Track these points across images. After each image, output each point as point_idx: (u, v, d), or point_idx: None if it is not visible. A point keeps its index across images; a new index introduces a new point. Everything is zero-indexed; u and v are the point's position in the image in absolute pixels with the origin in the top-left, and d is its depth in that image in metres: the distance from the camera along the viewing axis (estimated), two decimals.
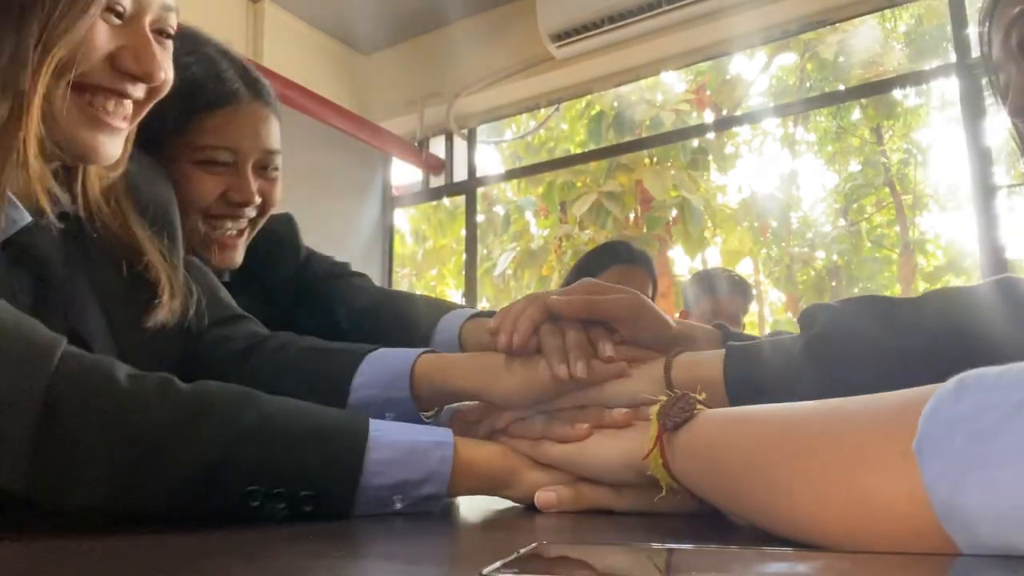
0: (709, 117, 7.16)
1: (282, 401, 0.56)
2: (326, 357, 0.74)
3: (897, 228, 7.79)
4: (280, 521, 0.53)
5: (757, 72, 7.52)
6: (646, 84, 6.42)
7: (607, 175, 6.82)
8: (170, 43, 0.69)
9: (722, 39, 2.65)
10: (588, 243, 6.71)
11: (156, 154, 0.82)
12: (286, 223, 1.08)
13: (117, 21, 0.63)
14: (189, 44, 0.88)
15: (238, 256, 0.94)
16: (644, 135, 6.20)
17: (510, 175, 5.78)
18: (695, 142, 6.69)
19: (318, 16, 2.94)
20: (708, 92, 7.26)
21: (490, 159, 7.33)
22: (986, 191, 2.21)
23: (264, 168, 0.94)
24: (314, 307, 1.02)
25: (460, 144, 3.22)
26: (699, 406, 0.51)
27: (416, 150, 3.19)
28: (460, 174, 3.23)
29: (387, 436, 0.56)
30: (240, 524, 0.51)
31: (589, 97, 5.47)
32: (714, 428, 0.48)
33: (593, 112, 6.87)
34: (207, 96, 0.88)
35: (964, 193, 6.50)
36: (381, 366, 0.72)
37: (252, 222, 0.95)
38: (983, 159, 2.22)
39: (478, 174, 3.26)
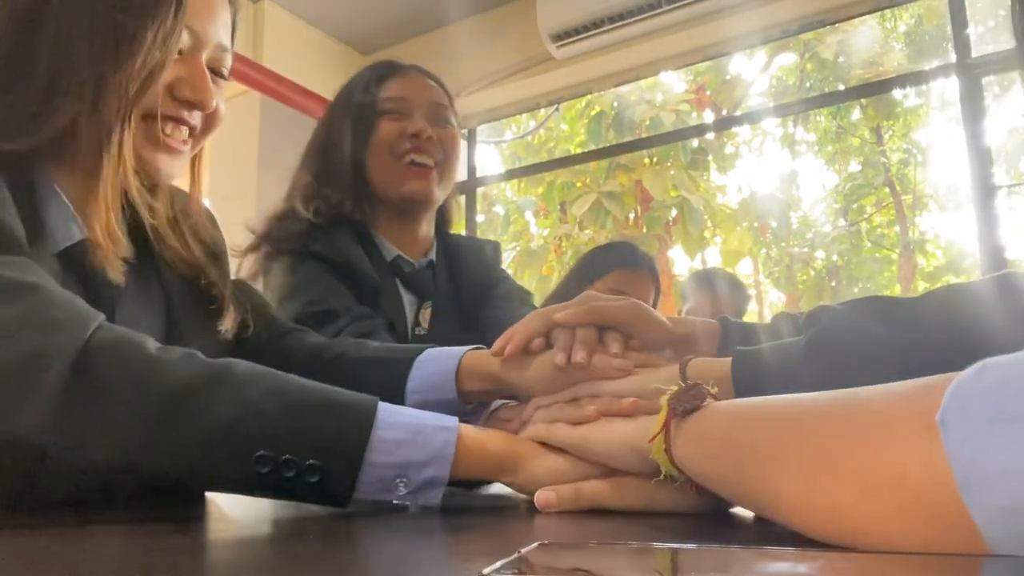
0: (709, 117, 7.16)
1: (297, 379, 0.58)
2: (380, 367, 0.80)
3: (897, 228, 7.80)
4: (287, 494, 0.54)
5: (757, 72, 7.53)
6: (646, 84, 6.43)
7: (607, 175, 6.83)
8: (224, 83, 0.77)
9: (722, 39, 2.65)
10: (588, 243, 6.71)
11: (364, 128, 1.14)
12: (493, 248, 1.34)
13: (176, 56, 0.70)
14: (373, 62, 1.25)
15: (430, 185, 1.16)
16: (644, 135, 6.21)
17: (510, 175, 5.80)
18: (695, 142, 6.70)
19: (318, 16, 2.94)
20: (708, 92, 7.26)
21: (490, 159, 7.34)
22: (986, 191, 2.21)
23: (438, 120, 1.18)
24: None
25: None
26: (710, 398, 0.51)
27: None
28: (460, 174, 3.23)
29: (394, 417, 0.58)
30: (240, 524, 0.51)
31: (589, 97, 5.47)
32: (725, 415, 0.48)
33: (593, 112, 6.87)
34: (383, 71, 1.20)
35: (964, 193, 6.51)
36: (430, 370, 0.78)
37: (438, 164, 1.16)
38: (983, 159, 2.22)
39: (478, 174, 3.27)
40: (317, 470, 0.53)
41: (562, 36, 2.62)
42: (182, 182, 0.82)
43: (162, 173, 0.72)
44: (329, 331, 1.00)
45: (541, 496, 0.60)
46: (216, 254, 0.84)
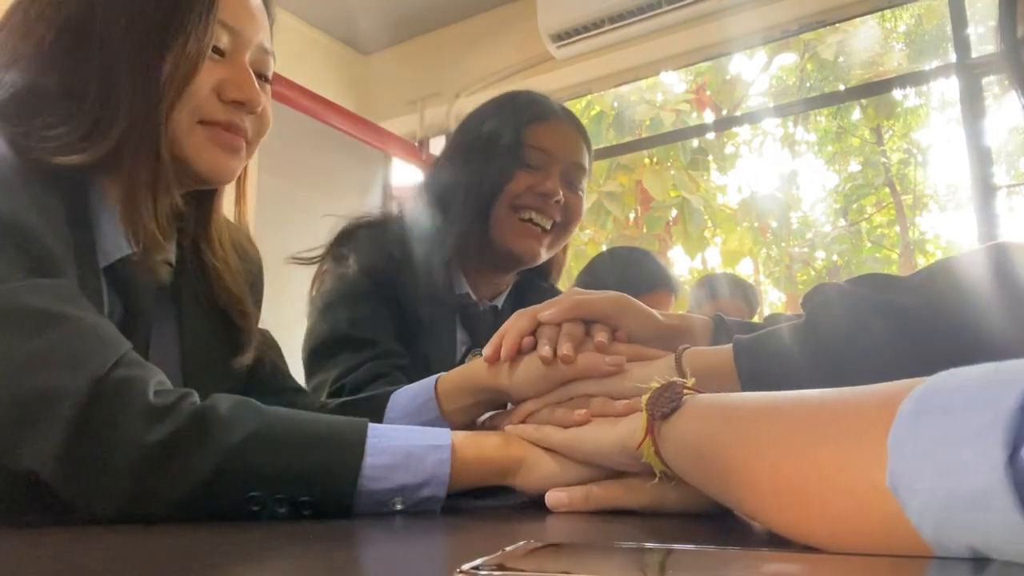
0: (709, 117, 7.15)
1: (284, 411, 0.58)
2: (357, 407, 0.80)
3: (897, 228, 7.78)
4: (283, 519, 0.54)
5: (757, 72, 7.52)
6: (646, 84, 6.42)
7: (607, 175, 6.81)
8: (268, 87, 0.77)
9: (722, 39, 2.65)
10: (588, 243, 6.70)
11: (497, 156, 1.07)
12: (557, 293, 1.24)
13: (218, 58, 0.70)
14: (530, 91, 1.18)
15: (540, 249, 1.10)
16: (644, 135, 6.20)
17: None
18: (695, 142, 6.68)
19: (319, 16, 2.94)
20: (708, 92, 7.25)
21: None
22: (986, 191, 2.21)
23: (571, 183, 1.13)
24: None
25: None
26: (687, 392, 0.51)
27: (416, 150, 3.19)
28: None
29: (384, 442, 0.58)
30: (240, 524, 0.51)
31: (589, 97, 5.46)
32: (700, 418, 0.48)
33: (593, 112, 6.86)
34: (534, 113, 1.12)
35: (964, 193, 6.50)
36: (407, 398, 0.77)
37: (556, 227, 1.10)
38: (983, 159, 2.22)
39: None
40: (309, 505, 0.54)
41: (562, 36, 2.61)
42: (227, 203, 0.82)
43: (225, 173, 0.72)
44: (350, 361, 0.97)
45: (552, 497, 0.60)
46: (253, 287, 0.84)
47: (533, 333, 0.74)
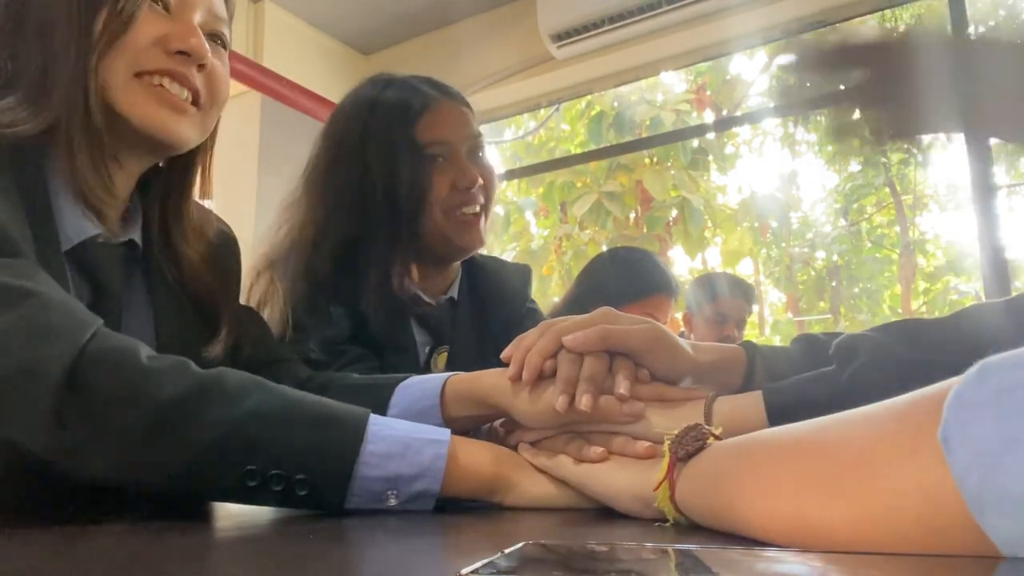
0: (709, 117, 7.15)
1: (289, 390, 0.58)
2: (360, 393, 0.77)
3: (897, 228, 7.79)
4: (277, 503, 0.54)
5: (757, 72, 7.52)
6: (646, 84, 6.42)
7: (607, 175, 6.82)
8: (223, 52, 0.76)
9: (722, 39, 2.65)
10: (588, 243, 6.71)
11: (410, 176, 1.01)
12: (524, 275, 1.25)
13: (163, 11, 0.69)
14: (383, 80, 1.13)
15: (480, 235, 1.09)
16: (644, 135, 6.21)
17: (510, 175, 5.77)
18: (695, 142, 6.69)
19: (318, 16, 2.93)
20: (708, 92, 7.25)
21: (490, 159, 7.32)
22: (986, 191, 2.21)
23: (476, 155, 1.10)
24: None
25: None
26: (712, 439, 0.50)
27: None
28: None
29: (384, 430, 0.58)
30: (241, 524, 0.51)
31: (589, 97, 5.46)
32: (723, 451, 0.47)
33: (593, 112, 6.87)
34: (417, 105, 1.06)
35: (964, 193, 6.50)
36: (412, 395, 0.75)
37: (484, 205, 1.10)
38: (983, 159, 2.22)
39: None
40: (305, 484, 0.53)
41: (562, 36, 2.61)
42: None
43: (171, 131, 0.70)
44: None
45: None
46: (226, 270, 0.83)
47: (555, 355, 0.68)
